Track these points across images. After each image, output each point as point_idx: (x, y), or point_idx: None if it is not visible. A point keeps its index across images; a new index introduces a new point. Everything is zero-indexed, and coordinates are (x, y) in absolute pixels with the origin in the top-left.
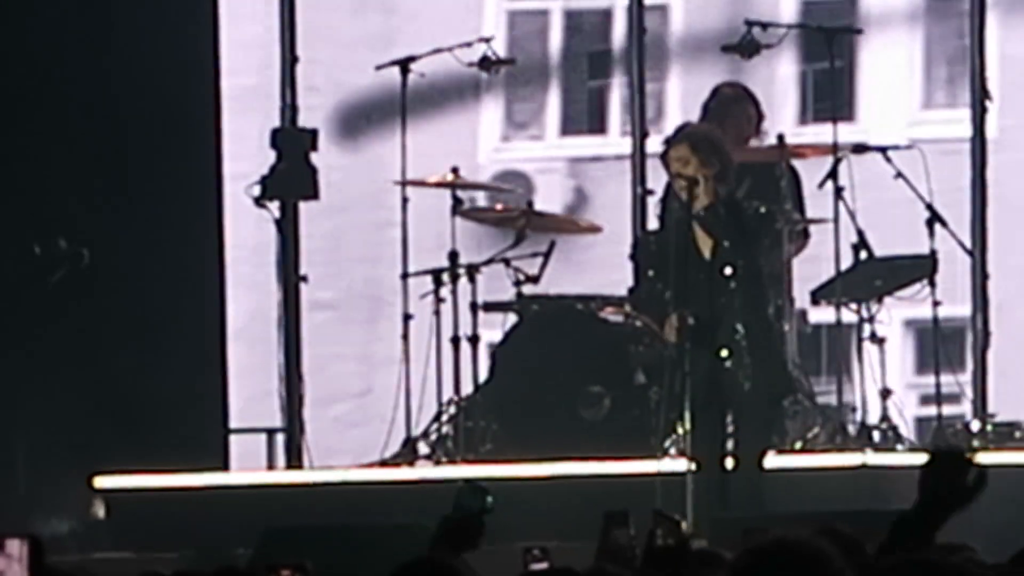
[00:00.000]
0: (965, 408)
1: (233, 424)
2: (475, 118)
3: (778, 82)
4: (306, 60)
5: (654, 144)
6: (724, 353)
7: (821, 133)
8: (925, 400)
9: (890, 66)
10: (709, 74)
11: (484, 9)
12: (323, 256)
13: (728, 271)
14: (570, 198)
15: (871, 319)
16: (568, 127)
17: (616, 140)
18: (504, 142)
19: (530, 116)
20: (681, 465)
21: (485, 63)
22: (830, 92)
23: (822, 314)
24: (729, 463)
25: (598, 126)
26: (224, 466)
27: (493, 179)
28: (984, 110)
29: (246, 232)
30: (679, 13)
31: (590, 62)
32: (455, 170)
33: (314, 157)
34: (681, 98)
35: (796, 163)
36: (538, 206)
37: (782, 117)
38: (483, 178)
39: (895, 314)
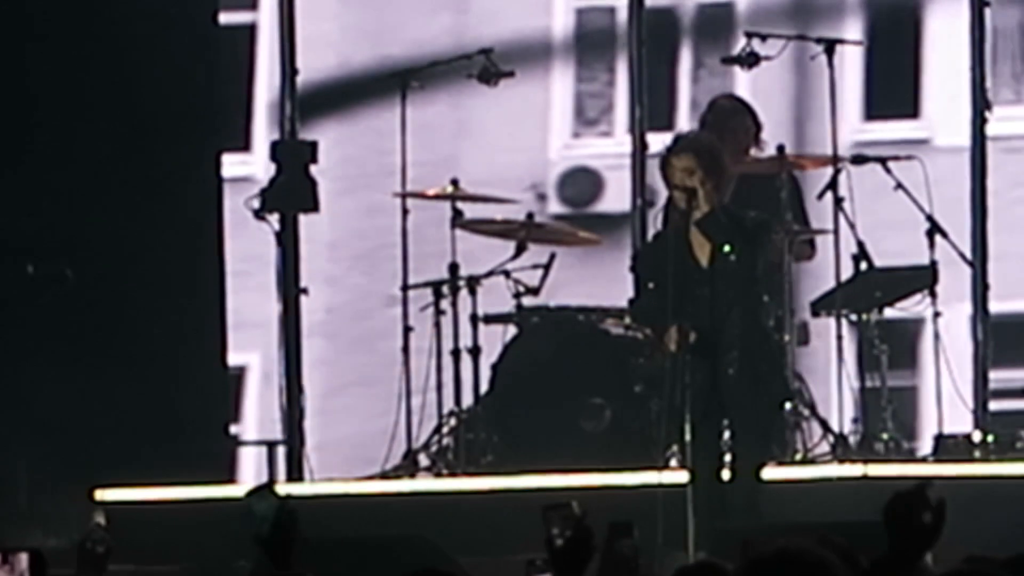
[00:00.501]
0: None
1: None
2: (545, 115)
3: (845, 78)
4: (380, 58)
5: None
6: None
7: (885, 130)
8: (996, 395)
9: (955, 62)
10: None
11: (553, 5)
12: (323, 268)
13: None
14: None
15: (872, 329)
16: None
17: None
18: (574, 139)
19: (599, 113)
20: (681, 476)
21: (485, 75)
22: (894, 90)
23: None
24: (726, 474)
25: (666, 122)
26: (225, 479)
27: (563, 176)
28: (984, 118)
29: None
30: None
31: (657, 58)
32: (455, 182)
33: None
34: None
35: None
36: (608, 204)
37: (845, 113)
38: (553, 175)
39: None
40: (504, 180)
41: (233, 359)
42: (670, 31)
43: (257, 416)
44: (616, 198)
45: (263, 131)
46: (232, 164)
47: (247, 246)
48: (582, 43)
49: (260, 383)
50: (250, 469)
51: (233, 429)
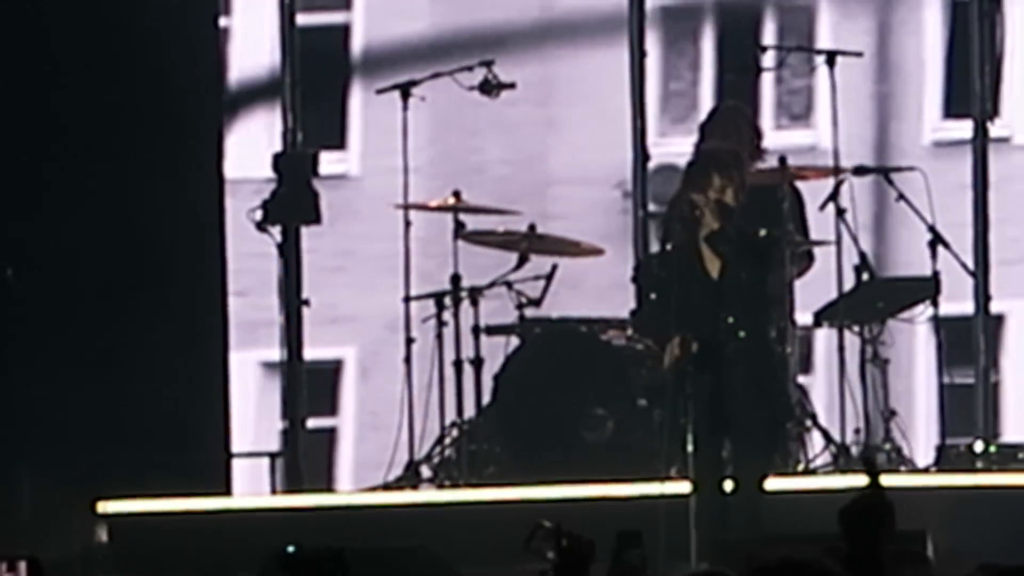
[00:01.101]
0: None
1: (235, 448)
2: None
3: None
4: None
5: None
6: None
7: (961, 129)
8: None
9: None
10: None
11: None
12: (325, 280)
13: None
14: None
15: (874, 340)
16: None
17: (769, 135)
18: (661, 137)
19: (685, 111)
20: (684, 487)
21: (486, 86)
22: (970, 90)
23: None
24: (729, 485)
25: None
26: (226, 490)
27: (653, 174)
28: (985, 123)
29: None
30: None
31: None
32: (456, 193)
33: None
34: None
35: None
36: None
37: (927, 115)
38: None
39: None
40: (591, 178)
41: (329, 353)
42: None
43: (353, 410)
44: None
45: (358, 127)
46: (329, 162)
47: (337, 242)
48: (666, 43)
49: (356, 377)
50: (251, 481)
51: (329, 422)
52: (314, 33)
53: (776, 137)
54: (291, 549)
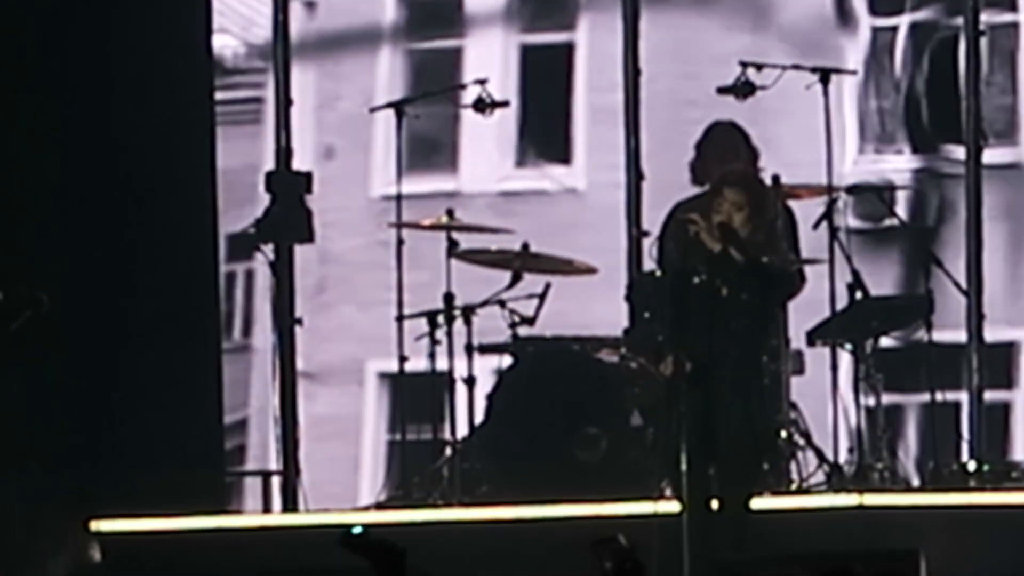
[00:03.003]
0: None
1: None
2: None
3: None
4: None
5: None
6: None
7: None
8: None
9: None
10: None
11: (859, 30)
12: (317, 298)
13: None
14: (933, 209)
15: (868, 359)
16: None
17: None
18: (861, 154)
19: (890, 129)
20: (677, 507)
21: (480, 105)
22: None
23: None
24: (715, 505)
25: (953, 137)
26: (220, 509)
27: (849, 192)
28: (980, 147)
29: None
30: None
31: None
32: (450, 212)
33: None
34: None
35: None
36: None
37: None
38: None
39: None
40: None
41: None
42: None
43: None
44: (905, 213)
45: (583, 142)
46: (552, 177)
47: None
48: (872, 59)
49: (256, 413)
50: (246, 500)
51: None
52: (539, 52)
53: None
54: (357, 529)
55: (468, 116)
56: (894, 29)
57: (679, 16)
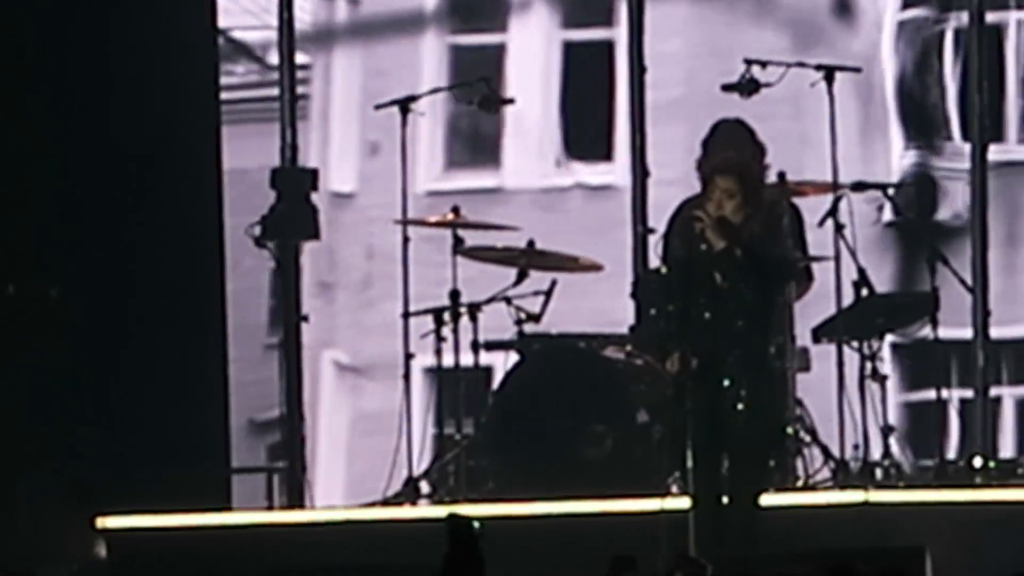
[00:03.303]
0: None
1: (234, 464)
2: (882, 125)
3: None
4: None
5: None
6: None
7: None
8: None
9: None
10: None
11: (884, 25)
12: (323, 296)
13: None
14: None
15: (873, 356)
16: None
17: (1014, 147)
18: (907, 149)
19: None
20: (684, 503)
21: (486, 102)
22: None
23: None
24: (724, 501)
25: (997, 134)
26: (225, 506)
27: (904, 184)
28: (985, 144)
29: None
30: None
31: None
32: (455, 209)
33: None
34: None
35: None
36: (945, 213)
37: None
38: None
39: None
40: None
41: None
42: None
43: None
44: (952, 208)
45: (624, 139)
46: (593, 174)
47: (608, 250)
48: (905, 58)
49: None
50: (251, 496)
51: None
52: (580, 48)
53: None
54: (477, 524)
55: (512, 112)
56: (941, 23)
57: (721, 11)
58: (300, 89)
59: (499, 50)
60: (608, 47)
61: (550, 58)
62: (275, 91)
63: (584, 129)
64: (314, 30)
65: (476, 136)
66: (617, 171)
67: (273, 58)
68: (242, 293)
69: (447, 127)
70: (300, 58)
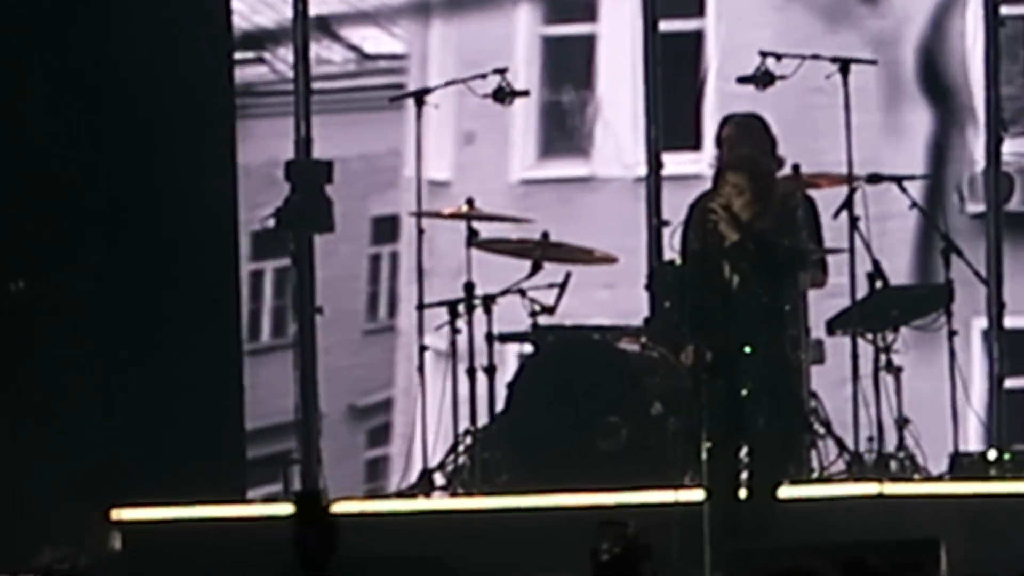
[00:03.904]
0: None
1: (249, 455)
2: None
3: None
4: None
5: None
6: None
7: None
8: None
9: None
10: None
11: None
12: (338, 287)
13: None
14: None
15: (888, 348)
16: None
17: None
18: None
19: (1014, 115)
20: (698, 496)
21: (500, 94)
22: None
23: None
24: (743, 493)
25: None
26: (241, 498)
27: (974, 176)
28: (999, 140)
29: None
30: None
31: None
32: (470, 201)
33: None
34: None
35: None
36: (1018, 204)
37: None
38: (966, 175)
39: None
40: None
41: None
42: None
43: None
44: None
45: (711, 127)
46: (680, 163)
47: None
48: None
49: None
50: (266, 487)
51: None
52: (671, 38)
53: None
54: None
55: (605, 102)
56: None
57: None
58: (397, 79)
59: (589, 41)
60: (696, 37)
61: (636, 49)
62: (373, 80)
63: (672, 119)
64: (410, 17)
65: (569, 125)
66: (705, 160)
67: (370, 47)
68: (338, 280)
69: (541, 116)
70: (397, 48)
